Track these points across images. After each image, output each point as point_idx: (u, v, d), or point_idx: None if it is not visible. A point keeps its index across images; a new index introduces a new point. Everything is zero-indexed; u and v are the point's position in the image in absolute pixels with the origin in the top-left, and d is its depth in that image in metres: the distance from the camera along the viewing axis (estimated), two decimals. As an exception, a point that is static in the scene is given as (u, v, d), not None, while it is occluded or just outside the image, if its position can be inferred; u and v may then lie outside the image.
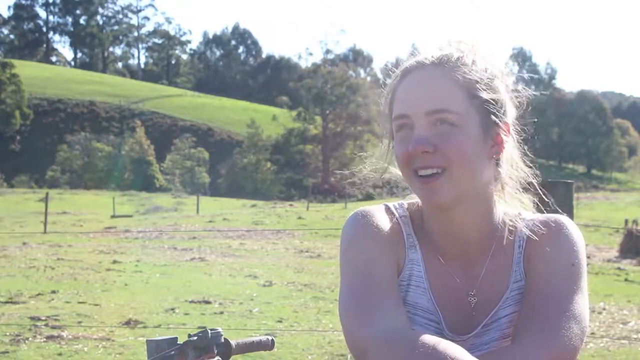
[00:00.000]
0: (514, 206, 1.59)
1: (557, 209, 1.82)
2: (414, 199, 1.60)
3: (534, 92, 1.59)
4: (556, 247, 1.51)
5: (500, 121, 1.50)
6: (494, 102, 1.49)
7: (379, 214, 1.57)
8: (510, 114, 1.55)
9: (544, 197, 1.66)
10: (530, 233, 1.54)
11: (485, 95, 1.48)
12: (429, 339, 1.33)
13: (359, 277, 1.48)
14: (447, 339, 1.47)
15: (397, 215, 1.59)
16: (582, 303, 1.47)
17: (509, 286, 1.54)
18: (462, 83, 1.47)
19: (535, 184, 1.62)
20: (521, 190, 1.60)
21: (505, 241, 1.54)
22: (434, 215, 1.53)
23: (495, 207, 1.55)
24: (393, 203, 1.62)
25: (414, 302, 1.53)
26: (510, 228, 1.55)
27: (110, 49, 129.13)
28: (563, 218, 1.56)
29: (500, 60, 1.56)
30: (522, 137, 1.60)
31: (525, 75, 1.64)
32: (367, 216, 1.55)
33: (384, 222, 1.55)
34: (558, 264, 1.50)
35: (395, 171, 1.60)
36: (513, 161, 1.58)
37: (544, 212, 1.63)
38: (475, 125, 1.46)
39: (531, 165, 1.61)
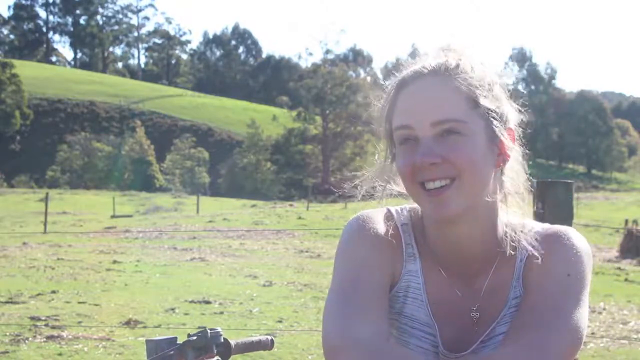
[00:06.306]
0: (516, 216, 1.52)
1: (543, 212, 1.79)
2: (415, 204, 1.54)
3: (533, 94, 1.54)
4: (552, 257, 1.45)
5: (503, 128, 1.44)
6: (496, 110, 1.43)
7: (380, 220, 1.52)
8: (513, 119, 1.49)
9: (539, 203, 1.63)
10: (532, 247, 1.47)
11: (487, 102, 1.42)
12: (400, 353, 1.34)
13: (347, 280, 1.45)
14: (440, 356, 1.46)
15: (399, 222, 1.53)
16: (577, 315, 1.39)
17: (507, 302, 1.48)
18: (464, 91, 1.40)
19: (533, 187, 1.58)
20: (524, 199, 1.53)
21: (508, 255, 1.48)
22: (437, 228, 1.47)
23: (498, 219, 1.48)
24: (396, 207, 1.57)
25: (410, 314, 1.48)
26: (513, 243, 1.48)
27: (110, 49, 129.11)
28: (565, 229, 1.50)
29: (498, 64, 1.50)
30: (523, 141, 1.53)
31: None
32: (366, 221, 1.51)
33: (384, 230, 1.50)
34: (552, 274, 1.43)
35: (395, 186, 1.55)
36: (517, 169, 1.51)
37: (543, 219, 1.59)
38: (482, 133, 1.41)
39: (528, 172, 1.54)
